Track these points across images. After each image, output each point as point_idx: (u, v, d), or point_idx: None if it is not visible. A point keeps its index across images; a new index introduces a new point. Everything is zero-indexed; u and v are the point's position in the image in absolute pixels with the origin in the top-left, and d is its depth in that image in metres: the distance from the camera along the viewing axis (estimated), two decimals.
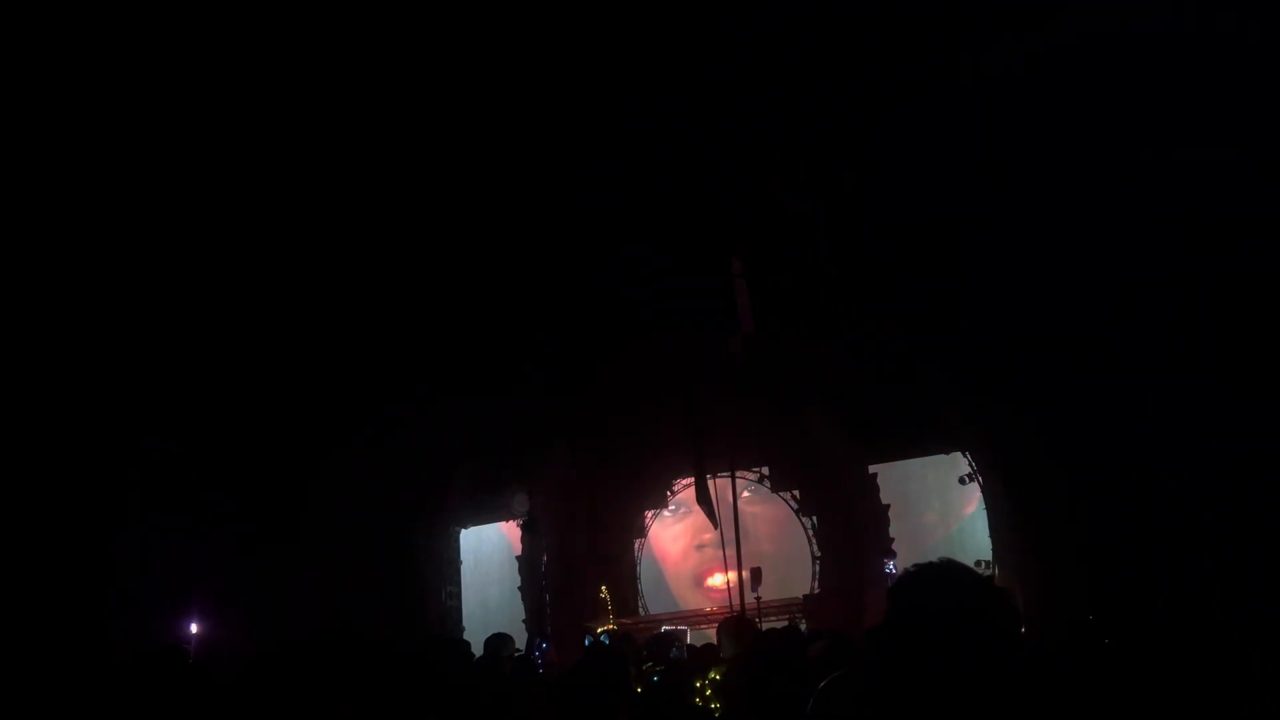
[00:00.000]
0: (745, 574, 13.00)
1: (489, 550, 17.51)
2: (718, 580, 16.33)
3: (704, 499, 12.06)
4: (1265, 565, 8.93)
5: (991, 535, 14.23)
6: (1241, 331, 9.76)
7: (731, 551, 11.40)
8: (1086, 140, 9.62)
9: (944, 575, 2.05)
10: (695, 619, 15.67)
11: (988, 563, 13.67)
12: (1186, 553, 9.83)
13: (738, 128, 10.28)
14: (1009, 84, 9.40)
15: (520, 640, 11.77)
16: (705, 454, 11.71)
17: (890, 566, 15.03)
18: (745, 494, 17.23)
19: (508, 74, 9.54)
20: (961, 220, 10.81)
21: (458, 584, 16.42)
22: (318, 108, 9.60)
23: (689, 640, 12.83)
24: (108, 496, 10.87)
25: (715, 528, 12.65)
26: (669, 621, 15.38)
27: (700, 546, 17.09)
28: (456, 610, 16.21)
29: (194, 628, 11.53)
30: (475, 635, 12.32)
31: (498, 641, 6.92)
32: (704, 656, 6.52)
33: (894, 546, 15.23)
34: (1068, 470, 11.60)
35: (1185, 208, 9.49)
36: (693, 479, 12.17)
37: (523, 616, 16.05)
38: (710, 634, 13.12)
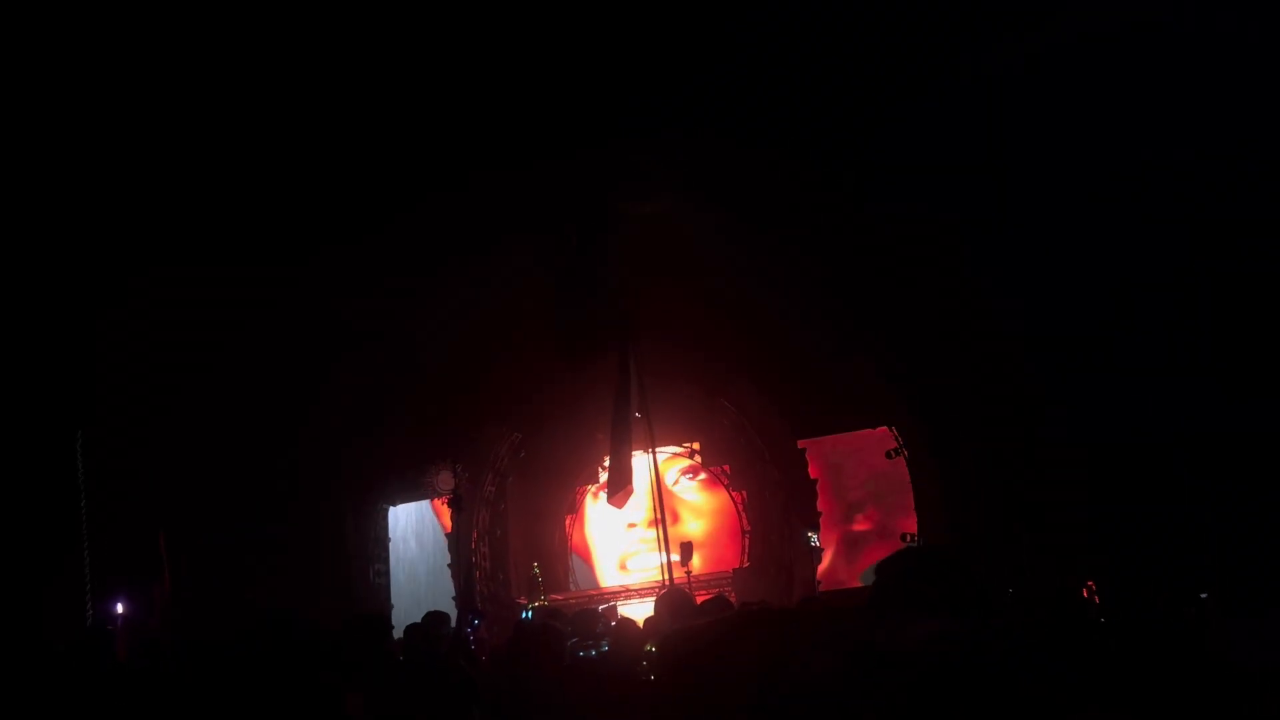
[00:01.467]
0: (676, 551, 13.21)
1: (419, 526, 17.48)
2: (644, 562, 16.53)
3: (622, 474, 12.01)
4: (1265, 565, 8.94)
5: (917, 509, 14.39)
6: (1241, 331, 9.77)
7: (662, 532, 11.56)
8: (1086, 140, 9.63)
9: (924, 560, 2.07)
10: (626, 594, 15.83)
11: (912, 536, 13.98)
12: (1182, 551, 9.84)
13: (738, 128, 10.29)
14: (1009, 84, 9.41)
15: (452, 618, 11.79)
16: (635, 430, 11.72)
17: (814, 540, 15.21)
18: (679, 482, 17.44)
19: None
20: (961, 219, 10.84)
21: (386, 561, 16.33)
22: None
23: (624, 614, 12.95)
24: (47, 476, 10.83)
25: (618, 506, 12.65)
26: (601, 596, 15.54)
27: (630, 526, 17.15)
28: (385, 588, 16.14)
29: (119, 608, 11.39)
30: (407, 612, 12.28)
31: (435, 620, 6.90)
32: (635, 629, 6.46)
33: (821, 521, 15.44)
34: (1011, 449, 11.80)
35: (1185, 208, 9.50)
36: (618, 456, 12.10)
37: (451, 594, 16.02)
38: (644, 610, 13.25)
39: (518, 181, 11.05)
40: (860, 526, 15.74)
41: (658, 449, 12.93)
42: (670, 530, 15.58)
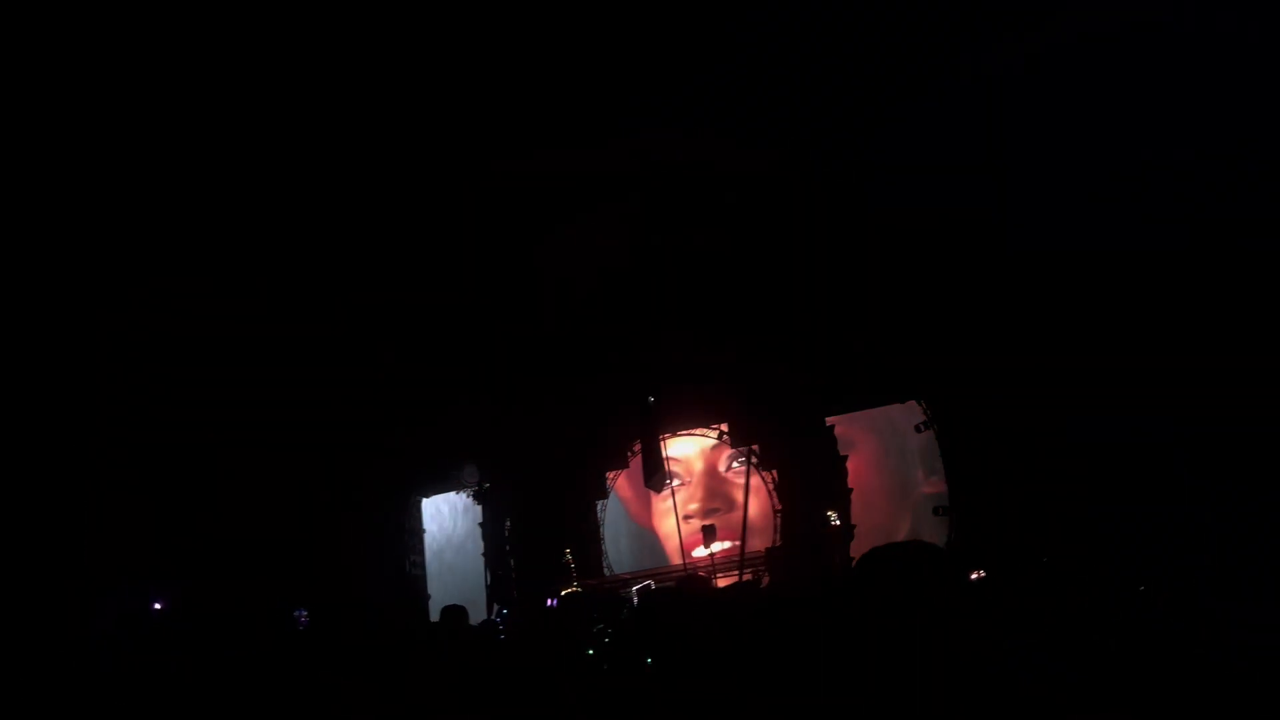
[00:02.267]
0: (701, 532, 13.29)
1: (455, 515, 17.51)
2: (699, 552, 16.61)
3: (653, 459, 12.04)
4: (1265, 565, 8.95)
5: (948, 483, 14.49)
6: (1241, 330, 9.77)
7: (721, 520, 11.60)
8: (1086, 140, 9.63)
9: (904, 556, 2.09)
10: (658, 576, 15.85)
11: (944, 508, 14.01)
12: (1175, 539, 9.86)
13: (738, 128, 10.29)
14: (1009, 84, 9.41)
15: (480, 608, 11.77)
16: (661, 413, 11.77)
17: (834, 520, 15.28)
18: (733, 468, 17.49)
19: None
20: (961, 218, 10.85)
21: (421, 553, 16.42)
22: None
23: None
24: (73, 477, 10.88)
25: (656, 490, 12.68)
26: (632, 580, 15.58)
27: (686, 519, 17.25)
28: (421, 580, 16.19)
29: (157, 605, 11.43)
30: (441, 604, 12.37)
31: (450, 615, 6.92)
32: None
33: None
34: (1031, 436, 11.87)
35: (1185, 208, 9.50)
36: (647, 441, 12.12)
37: (487, 582, 16.08)
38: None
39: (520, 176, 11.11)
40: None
41: (684, 433, 12.97)
42: (719, 518, 15.98)
